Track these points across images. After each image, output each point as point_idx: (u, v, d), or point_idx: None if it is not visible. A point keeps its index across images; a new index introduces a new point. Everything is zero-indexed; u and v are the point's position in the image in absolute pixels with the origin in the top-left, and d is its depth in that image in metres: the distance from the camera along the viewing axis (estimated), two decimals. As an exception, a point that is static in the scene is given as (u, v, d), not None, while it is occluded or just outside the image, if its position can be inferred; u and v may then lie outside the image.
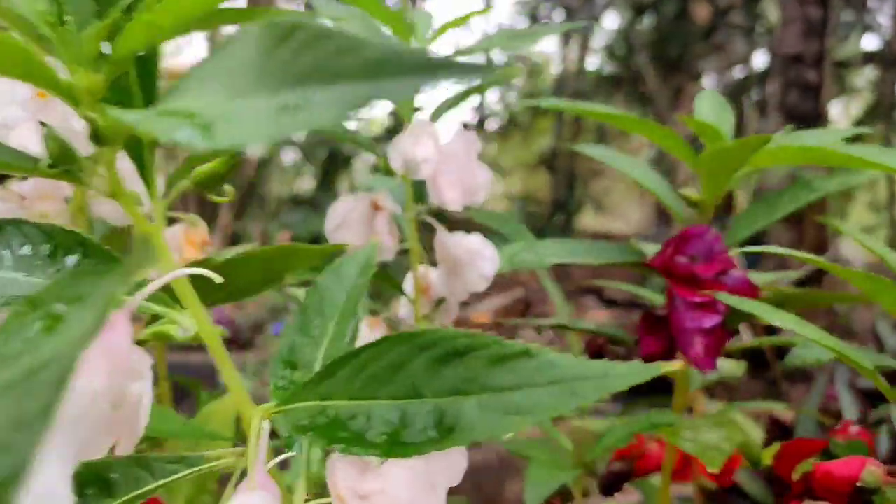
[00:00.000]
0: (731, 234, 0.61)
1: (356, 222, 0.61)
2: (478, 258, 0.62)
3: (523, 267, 0.55)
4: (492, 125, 6.36)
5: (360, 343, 0.62)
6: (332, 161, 4.80)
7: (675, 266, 0.55)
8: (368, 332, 0.66)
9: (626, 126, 0.61)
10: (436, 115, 0.64)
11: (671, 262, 0.55)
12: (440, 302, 0.68)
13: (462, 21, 0.63)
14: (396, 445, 0.26)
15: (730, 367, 0.67)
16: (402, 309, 0.68)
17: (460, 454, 0.30)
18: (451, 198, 0.62)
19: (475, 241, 0.67)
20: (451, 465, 0.29)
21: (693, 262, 0.57)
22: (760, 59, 5.35)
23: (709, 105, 0.59)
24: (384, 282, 0.65)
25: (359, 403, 0.28)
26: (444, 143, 0.61)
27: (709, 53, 5.16)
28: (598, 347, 0.70)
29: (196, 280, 0.29)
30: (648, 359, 0.55)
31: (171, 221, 0.56)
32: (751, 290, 0.56)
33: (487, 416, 0.25)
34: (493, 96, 6.17)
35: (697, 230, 0.57)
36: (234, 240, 3.96)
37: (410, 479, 0.27)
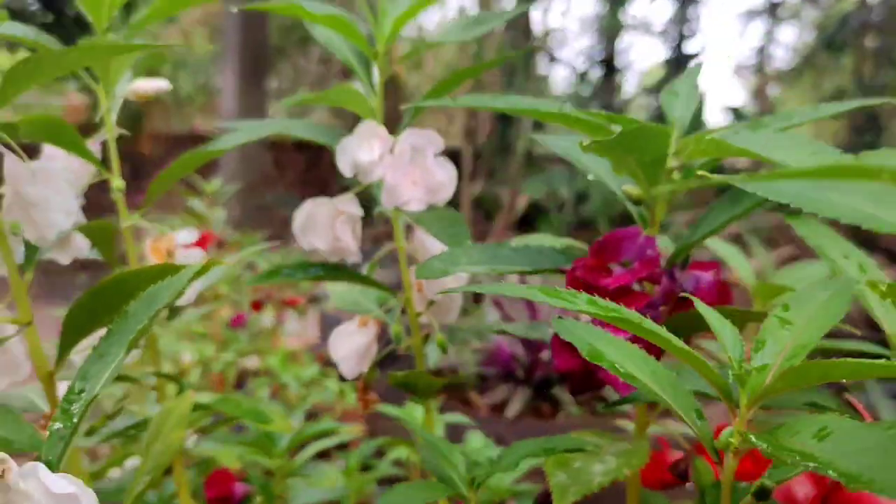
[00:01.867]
0: (689, 234, 0.53)
1: (321, 225, 0.63)
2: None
3: (432, 277, 0.53)
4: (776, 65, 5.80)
5: (341, 340, 0.65)
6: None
7: (586, 276, 0.49)
8: (357, 330, 0.67)
9: None
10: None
11: (585, 272, 0.49)
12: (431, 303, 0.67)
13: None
14: None
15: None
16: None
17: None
18: (406, 199, 0.61)
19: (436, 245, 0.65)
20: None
21: (616, 268, 0.50)
22: None
23: None
24: (358, 282, 0.65)
25: None
26: (396, 144, 0.61)
27: None
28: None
29: None
30: (565, 376, 0.50)
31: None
32: (680, 302, 0.49)
33: None
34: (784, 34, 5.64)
35: (626, 232, 0.51)
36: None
37: None
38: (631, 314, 0.34)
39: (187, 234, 0.64)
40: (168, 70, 7.95)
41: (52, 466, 0.37)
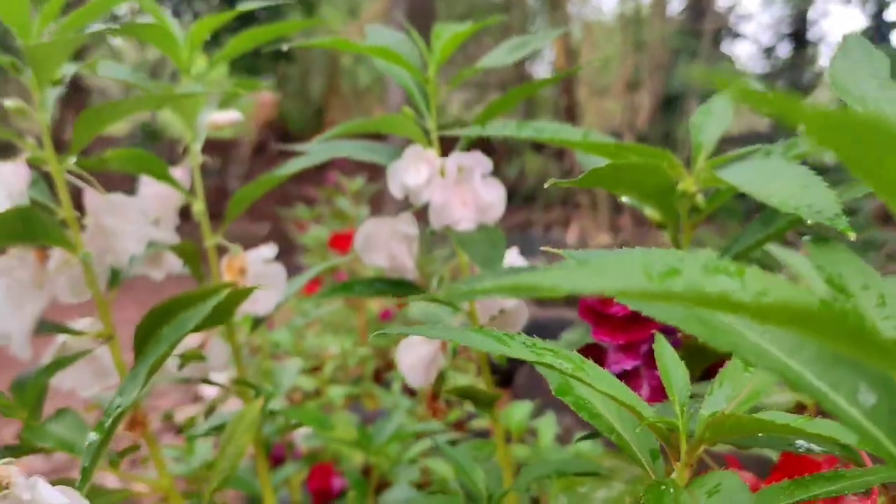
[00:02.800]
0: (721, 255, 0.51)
1: (380, 244, 0.66)
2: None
3: (455, 299, 0.54)
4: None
5: (408, 351, 0.68)
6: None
7: (596, 304, 0.49)
8: (424, 341, 0.70)
9: None
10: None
11: (596, 305, 0.50)
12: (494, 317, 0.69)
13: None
14: None
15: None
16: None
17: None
18: (456, 218, 0.63)
19: (512, 255, 0.67)
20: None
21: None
22: None
23: None
24: (419, 297, 0.68)
25: None
26: (444, 165, 0.63)
27: None
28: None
29: None
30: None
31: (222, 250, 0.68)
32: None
33: None
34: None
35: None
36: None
37: None
38: (562, 360, 0.35)
39: (267, 251, 0.70)
40: (349, 62, 8.32)
41: (87, 472, 0.44)
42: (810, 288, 0.62)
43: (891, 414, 0.21)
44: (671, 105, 4.46)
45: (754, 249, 0.50)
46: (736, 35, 6.80)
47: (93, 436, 0.45)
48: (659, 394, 0.49)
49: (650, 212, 0.51)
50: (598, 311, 0.49)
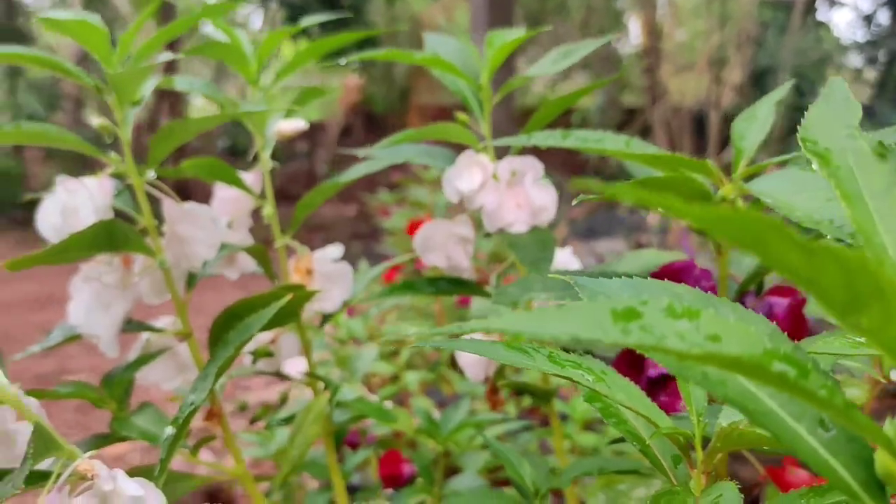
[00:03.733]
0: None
1: (437, 245, 0.69)
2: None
3: (504, 303, 0.57)
4: None
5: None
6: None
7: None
8: (482, 336, 0.73)
9: None
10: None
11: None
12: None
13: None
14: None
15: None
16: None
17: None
18: (510, 221, 0.66)
19: (565, 255, 0.69)
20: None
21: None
22: None
23: None
24: (477, 295, 0.71)
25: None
26: (497, 170, 0.65)
27: None
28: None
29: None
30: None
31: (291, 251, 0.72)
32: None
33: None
34: None
35: (682, 265, 0.52)
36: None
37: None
38: (584, 371, 0.37)
39: (334, 250, 0.74)
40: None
41: (164, 463, 0.48)
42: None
43: (849, 442, 0.22)
44: (760, 80, 4.33)
45: (766, 274, 0.51)
46: (833, 2, 6.53)
47: (169, 430, 0.49)
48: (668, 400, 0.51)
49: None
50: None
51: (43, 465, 0.45)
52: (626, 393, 0.37)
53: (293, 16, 7.02)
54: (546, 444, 1.19)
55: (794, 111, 4.54)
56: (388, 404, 1.06)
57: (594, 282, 0.35)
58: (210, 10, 0.59)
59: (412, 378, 1.45)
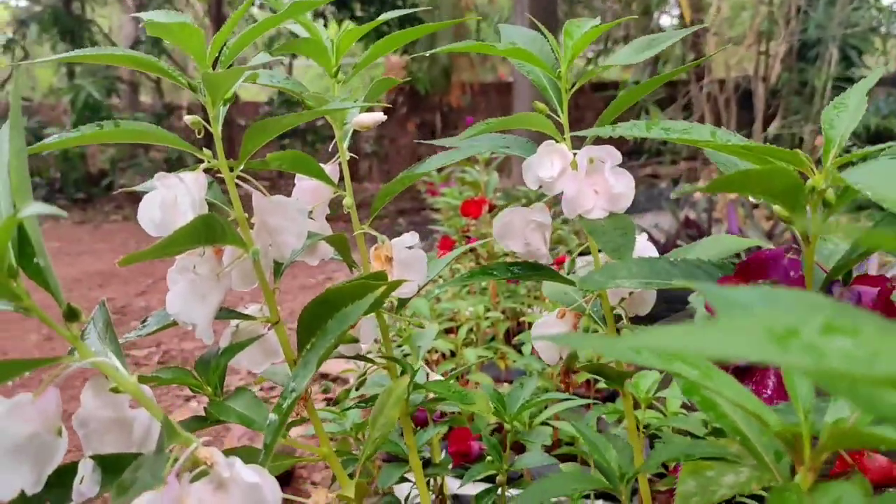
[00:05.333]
0: (851, 250, 0.53)
1: (515, 231, 0.70)
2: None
3: (591, 289, 0.58)
4: None
5: (541, 330, 0.72)
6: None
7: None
8: (556, 321, 0.75)
9: None
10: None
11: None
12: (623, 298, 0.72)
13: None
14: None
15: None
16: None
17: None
18: (588, 207, 0.67)
19: (641, 242, 0.70)
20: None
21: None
22: None
23: None
24: (553, 279, 0.72)
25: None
26: (576, 158, 0.66)
27: None
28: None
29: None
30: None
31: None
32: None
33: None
34: None
35: (771, 253, 0.52)
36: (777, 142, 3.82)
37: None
38: (690, 367, 0.38)
39: (410, 238, 0.75)
40: (474, 23, 8.32)
41: (269, 448, 0.51)
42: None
43: None
44: (807, 53, 4.23)
45: (888, 244, 0.51)
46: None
47: (272, 416, 0.52)
48: (783, 390, 0.52)
49: (778, 208, 0.53)
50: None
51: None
52: (732, 389, 0.38)
53: (340, 4, 7.01)
54: (602, 421, 1.20)
55: (843, 82, 4.44)
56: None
57: (721, 290, 0.35)
58: (295, 8, 0.60)
59: (470, 355, 1.47)
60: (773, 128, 4.39)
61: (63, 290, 0.48)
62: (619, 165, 0.67)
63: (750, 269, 0.53)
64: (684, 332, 0.23)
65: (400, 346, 1.27)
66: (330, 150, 0.76)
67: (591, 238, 0.64)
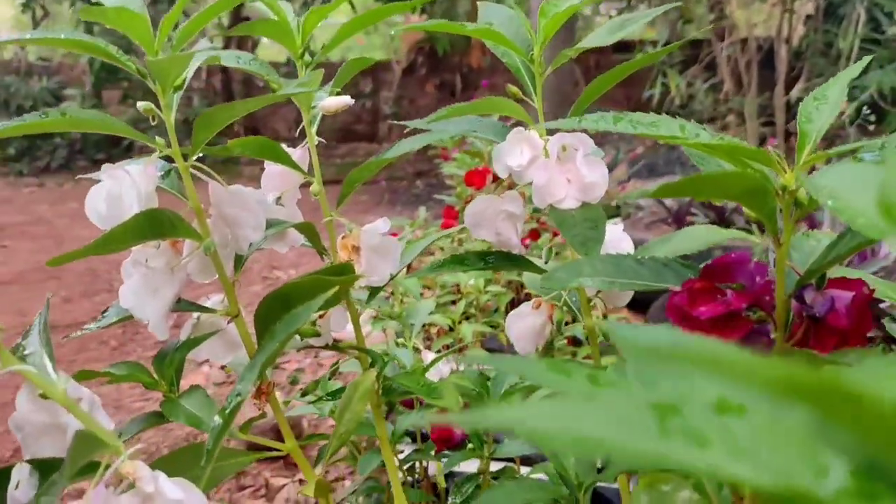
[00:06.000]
0: (825, 253, 0.50)
1: (487, 221, 0.68)
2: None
3: (553, 287, 0.55)
4: None
5: (515, 321, 0.70)
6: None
7: (683, 304, 0.49)
8: (531, 312, 0.73)
9: None
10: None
11: (687, 297, 0.50)
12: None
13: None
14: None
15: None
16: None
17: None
18: (560, 197, 0.64)
19: (615, 232, 0.67)
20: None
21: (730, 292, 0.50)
22: None
23: None
24: (528, 270, 0.70)
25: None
26: (547, 146, 0.63)
27: None
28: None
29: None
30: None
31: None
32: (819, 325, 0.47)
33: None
34: None
35: (736, 257, 0.50)
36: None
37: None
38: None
39: (382, 224, 0.73)
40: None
41: (210, 453, 0.49)
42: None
43: None
44: (833, 13, 4.10)
45: (866, 245, 0.48)
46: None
47: (217, 420, 0.50)
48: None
49: (747, 210, 0.50)
50: (683, 311, 0.49)
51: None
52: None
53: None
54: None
55: (870, 43, 4.30)
56: (444, 368, 1.06)
57: (627, 332, 0.33)
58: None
59: (467, 330, 1.46)
60: (796, 91, 4.27)
61: (80, 252, 0.48)
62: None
63: (715, 272, 0.50)
64: (559, 410, 0.21)
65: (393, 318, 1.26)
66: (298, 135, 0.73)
67: (559, 230, 0.61)
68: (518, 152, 0.63)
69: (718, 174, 0.43)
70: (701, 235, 0.62)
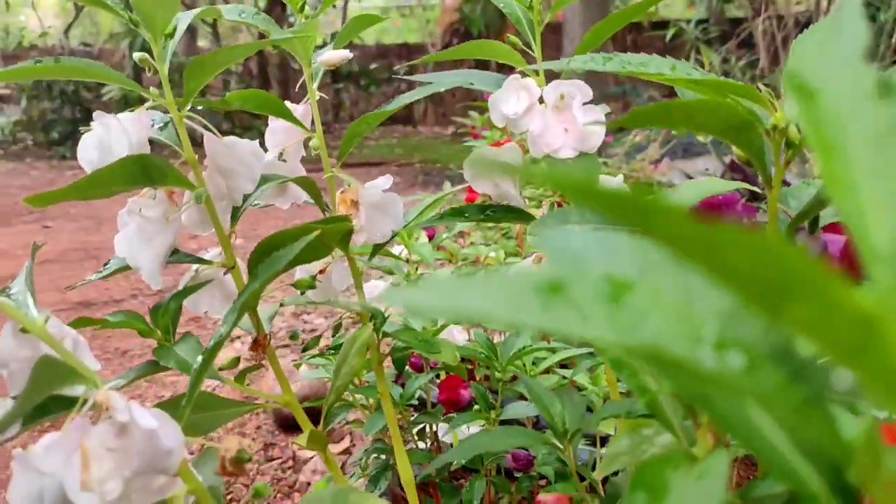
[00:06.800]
0: (817, 194, 0.48)
1: (485, 173, 0.67)
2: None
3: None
4: None
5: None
6: None
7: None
8: (534, 267, 0.72)
9: None
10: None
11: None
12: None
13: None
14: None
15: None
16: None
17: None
18: (556, 146, 0.63)
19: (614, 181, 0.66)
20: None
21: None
22: None
23: None
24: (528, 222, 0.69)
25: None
26: (543, 93, 0.62)
27: None
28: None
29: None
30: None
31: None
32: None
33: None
34: None
35: (725, 199, 0.48)
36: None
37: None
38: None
39: (383, 181, 0.73)
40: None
41: (191, 392, 0.49)
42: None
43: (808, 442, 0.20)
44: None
45: (821, 208, 0.47)
46: None
47: (199, 360, 0.50)
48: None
49: (736, 150, 0.49)
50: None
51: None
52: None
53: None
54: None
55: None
56: (458, 331, 1.06)
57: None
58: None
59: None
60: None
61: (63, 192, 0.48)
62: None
63: (702, 214, 0.49)
64: (454, 290, 0.20)
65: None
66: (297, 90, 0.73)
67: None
68: (514, 100, 0.62)
69: (696, 101, 0.41)
70: (705, 185, 0.61)
